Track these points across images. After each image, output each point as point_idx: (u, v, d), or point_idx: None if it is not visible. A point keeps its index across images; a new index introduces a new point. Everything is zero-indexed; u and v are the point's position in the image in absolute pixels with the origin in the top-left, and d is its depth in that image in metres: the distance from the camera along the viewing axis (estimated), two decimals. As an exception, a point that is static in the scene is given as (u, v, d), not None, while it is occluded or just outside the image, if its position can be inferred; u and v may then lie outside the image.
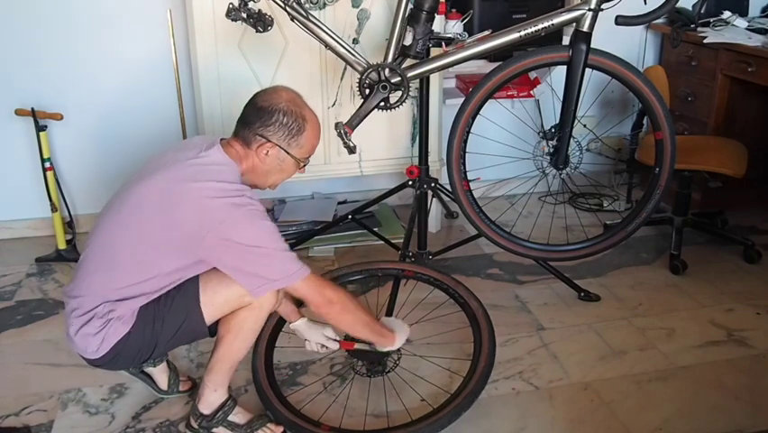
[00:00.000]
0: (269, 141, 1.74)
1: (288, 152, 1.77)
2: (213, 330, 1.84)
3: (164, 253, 1.69)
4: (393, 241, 2.87)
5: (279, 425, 1.93)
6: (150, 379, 2.07)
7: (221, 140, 1.79)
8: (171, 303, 1.74)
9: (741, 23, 3.12)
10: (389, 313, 2.29)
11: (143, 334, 1.75)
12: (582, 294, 2.61)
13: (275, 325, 2.17)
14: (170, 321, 1.75)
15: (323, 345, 2.05)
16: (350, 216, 2.87)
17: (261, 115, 1.74)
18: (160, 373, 2.07)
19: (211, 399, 1.89)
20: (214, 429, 1.91)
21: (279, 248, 1.68)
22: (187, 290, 1.75)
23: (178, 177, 1.69)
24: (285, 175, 1.84)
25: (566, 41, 2.44)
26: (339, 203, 3.28)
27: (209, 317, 1.77)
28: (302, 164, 1.83)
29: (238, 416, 1.93)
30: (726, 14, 3.16)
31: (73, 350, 1.80)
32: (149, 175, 1.73)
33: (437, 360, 2.22)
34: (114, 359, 1.77)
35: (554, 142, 2.41)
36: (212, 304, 1.75)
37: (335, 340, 2.04)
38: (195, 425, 1.90)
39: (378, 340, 1.95)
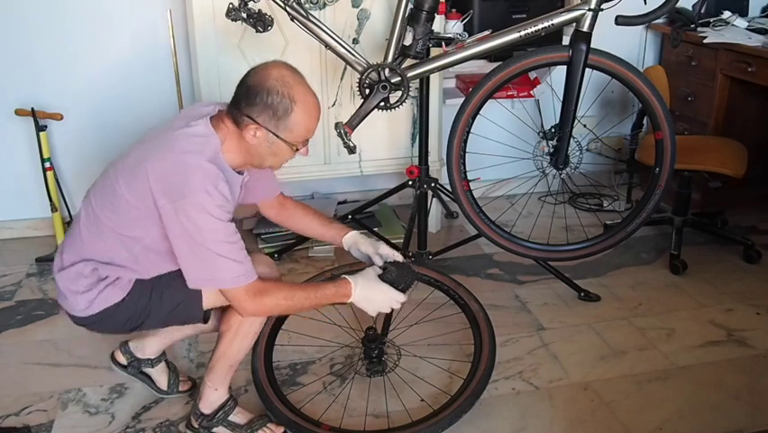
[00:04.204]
0: (255, 122, 1.63)
1: (276, 135, 1.64)
2: (206, 316, 1.81)
3: (136, 220, 1.64)
4: (393, 241, 2.86)
5: (280, 425, 1.92)
6: (149, 379, 2.07)
7: (220, 110, 1.73)
8: (174, 280, 1.70)
9: (741, 23, 3.12)
10: (389, 315, 2.28)
11: (137, 303, 1.72)
12: (582, 294, 2.61)
13: (274, 324, 2.17)
14: (169, 296, 1.73)
15: (383, 260, 1.90)
16: (350, 216, 2.88)
17: (248, 94, 1.63)
18: (159, 374, 2.07)
19: (212, 398, 1.89)
20: (215, 429, 1.90)
21: (221, 251, 1.58)
22: None
23: (156, 145, 1.64)
24: (280, 159, 1.71)
25: (566, 41, 2.44)
26: (339, 203, 3.28)
27: (208, 302, 1.75)
28: (295, 148, 1.69)
29: (238, 416, 1.92)
30: (726, 14, 3.16)
31: (62, 307, 1.77)
32: (139, 143, 1.71)
33: (437, 361, 2.22)
34: (101, 322, 1.74)
35: (554, 142, 2.41)
36: (214, 290, 1.71)
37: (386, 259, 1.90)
38: (195, 424, 1.90)
39: (334, 301, 1.78)
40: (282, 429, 1.92)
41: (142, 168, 1.60)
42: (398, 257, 1.93)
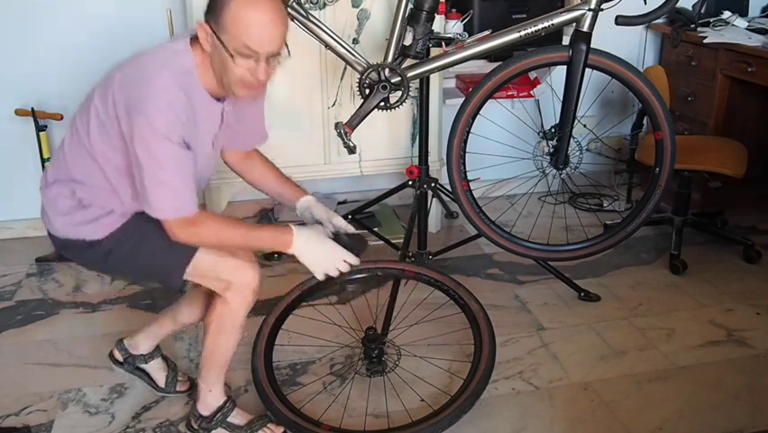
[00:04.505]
0: (204, 19, 1.54)
1: (217, 36, 1.50)
2: (183, 288, 1.79)
3: (106, 135, 1.59)
4: (393, 241, 2.87)
5: (280, 425, 1.92)
6: (146, 375, 2.07)
7: None
8: (168, 240, 1.63)
9: (741, 23, 3.12)
10: (389, 315, 2.28)
11: (121, 247, 1.68)
12: (582, 294, 2.61)
13: (274, 323, 2.17)
14: (154, 252, 1.68)
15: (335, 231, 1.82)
16: (350, 216, 2.87)
17: None
18: (155, 370, 2.07)
19: (208, 400, 1.88)
20: (214, 431, 1.90)
21: (164, 176, 1.52)
22: None
23: (133, 59, 1.60)
24: (230, 75, 1.54)
25: (566, 41, 2.44)
26: (339, 203, 3.28)
27: (191, 272, 1.71)
28: (233, 55, 1.51)
29: (237, 418, 1.92)
30: (726, 14, 3.17)
31: (43, 224, 1.75)
32: None
33: (437, 361, 2.22)
34: (80, 251, 1.71)
35: (554, 142, 2.41)
36: (202, 262, 1.69)
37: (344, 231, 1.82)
38: (195, 426, 1.90)
39: (271, 245, 1.74)
40: (282, 429, 1.92)
41: (112, 78, 1.58)
42: (351, 229, 1.84)
